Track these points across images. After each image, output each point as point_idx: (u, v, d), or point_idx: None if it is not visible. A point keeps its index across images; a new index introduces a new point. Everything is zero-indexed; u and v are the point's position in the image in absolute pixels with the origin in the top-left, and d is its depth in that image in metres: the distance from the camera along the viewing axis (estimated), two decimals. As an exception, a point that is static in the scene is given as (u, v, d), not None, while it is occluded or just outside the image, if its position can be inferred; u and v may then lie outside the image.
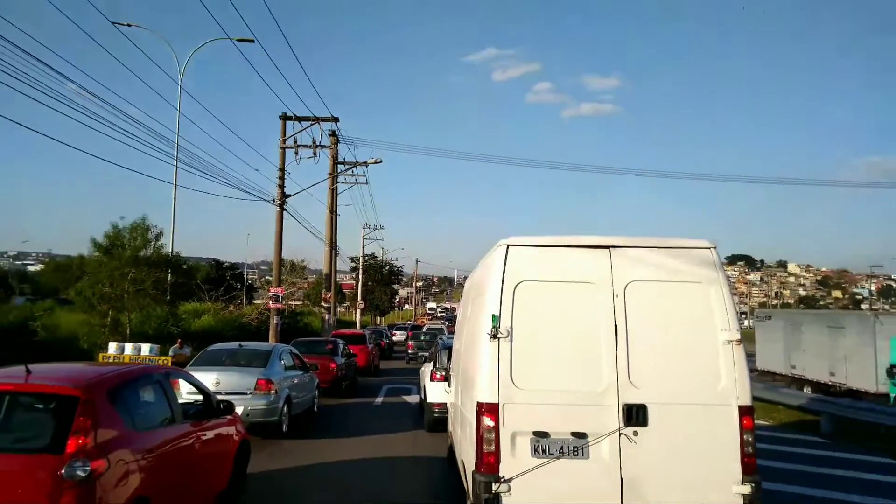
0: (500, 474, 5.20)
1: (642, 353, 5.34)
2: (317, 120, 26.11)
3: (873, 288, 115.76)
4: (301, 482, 8.89)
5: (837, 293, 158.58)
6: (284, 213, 24.08)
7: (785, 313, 30.40)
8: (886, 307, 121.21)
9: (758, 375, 25.41)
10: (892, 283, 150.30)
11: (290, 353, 13.86)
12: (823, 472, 10.07)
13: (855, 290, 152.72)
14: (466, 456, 5.93)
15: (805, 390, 20.85)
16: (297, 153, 25.39)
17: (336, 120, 28.09)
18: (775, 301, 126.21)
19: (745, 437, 5.15)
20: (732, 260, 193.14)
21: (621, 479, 5.14)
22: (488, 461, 5.23)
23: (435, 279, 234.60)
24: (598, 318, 5.47)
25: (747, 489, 5.05)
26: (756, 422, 5.45)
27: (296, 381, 13.00)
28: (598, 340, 5.43)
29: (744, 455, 5.13)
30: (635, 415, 5.19)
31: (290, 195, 24.35)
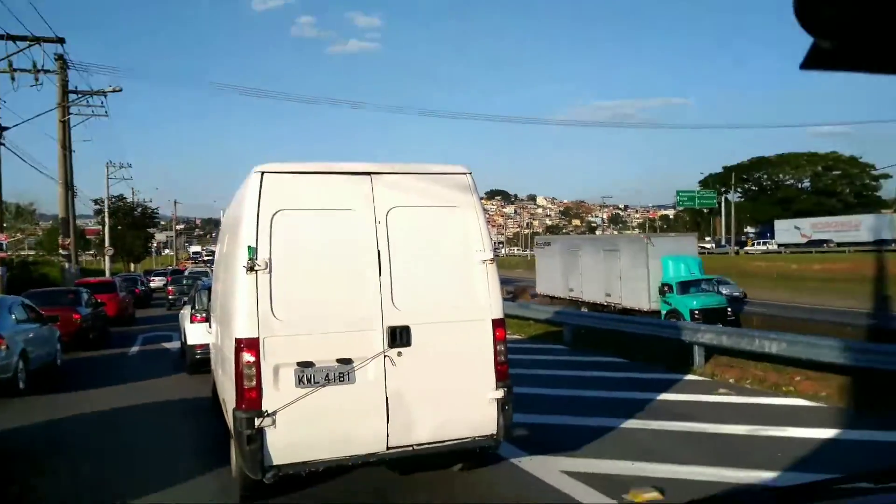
0: (263, 408, 5.05)
1: (405, 277, 5.46)
2: (37, 40, 22.35)
3: (605, 216, 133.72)
4: (39, 440, 7.91)
5: (577, 221, 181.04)
6: (2, 148, 20.45)
7: (564, 239, 32.74)
8: (615, 232, 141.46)
9: (539, 299, 27.87)
10: (619, 212, 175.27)
11: (21, 305, 12.64)
12: (565, 374, 11.56)
13: (590, 218, 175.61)
14: (228, 395, 5.67)
15: (582, 311, 21.96)
16: (13, 78, 21.62)
17: (62, 41, 24.46)
18: (527, 231, 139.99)
19: (497, 347, 5.58)
20: (491, 195, 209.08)
21: (386, 398, 5.30)
22: (250, 397, 5.06)
23: (198, 221, 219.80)
24: (361, 245, 5.46)
25: (500, 393, 5.52)
26: (510, 336, 5.94)
27: (31, 335, 12.14)
28: (362, 267, 5.44)
29: (497, 363, 5.57)
30: (399, 336, 5.33)
31: (6, 128, 20.69)
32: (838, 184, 76.72)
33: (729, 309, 20.23)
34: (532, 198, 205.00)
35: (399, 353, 5.35)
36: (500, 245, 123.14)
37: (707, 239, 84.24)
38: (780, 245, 68.43)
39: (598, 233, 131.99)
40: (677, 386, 10.41)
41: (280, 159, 5.73)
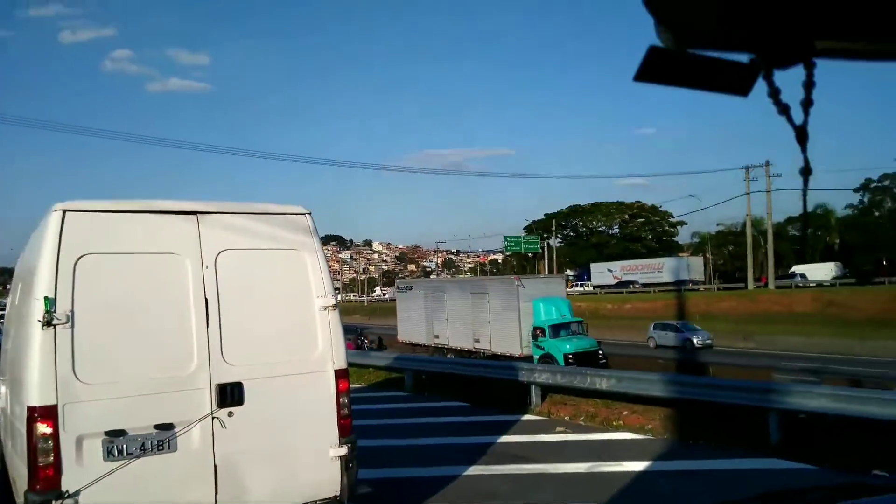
0: (63, 489, 4.26)
1: (237, 327, 4.92)
2: None
3: (439, 261, 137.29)
4: None
5: (412, 266, 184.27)
6: None
7: (427, 281, 31.57)
8: (448, 275, 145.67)
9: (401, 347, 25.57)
10: (452, 256, 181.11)
11: None
12: (406, 423, 11.27)
13: (425, 263, 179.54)
14: (19, 473, 4.70)
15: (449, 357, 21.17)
16: None
17: None
18: (363, 276, 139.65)
19: (341, 399, 5.20)
20: (326, 240, 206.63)
21: (215, 465, 4.71)
22: (46, 475, 4.25)
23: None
24: (185, 293, 4.87)
25: (344, 450, 5.12)
26: (351, 385, 5.57)
27: None
28: (186, 317, 4.84)
29: (340, 418, 5.18)
30: (230, 394, 4.78)
31: None
32: (643, 230, 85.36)
33: (600, 351, 20.07)
34: (368, 243, 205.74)
35: (230, 414, 4.78)
36: (337, 290, 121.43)
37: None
38: (595, 286, 74.15)
39: (432, 276, 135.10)
40: (517, 427, 10.56)
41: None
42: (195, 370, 4.76)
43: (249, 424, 4.85)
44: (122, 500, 4.38)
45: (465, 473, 7.76)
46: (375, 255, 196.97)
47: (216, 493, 4.68)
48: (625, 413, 10.61)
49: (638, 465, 7.93)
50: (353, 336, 29.56)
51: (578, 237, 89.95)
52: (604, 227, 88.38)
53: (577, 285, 77.59)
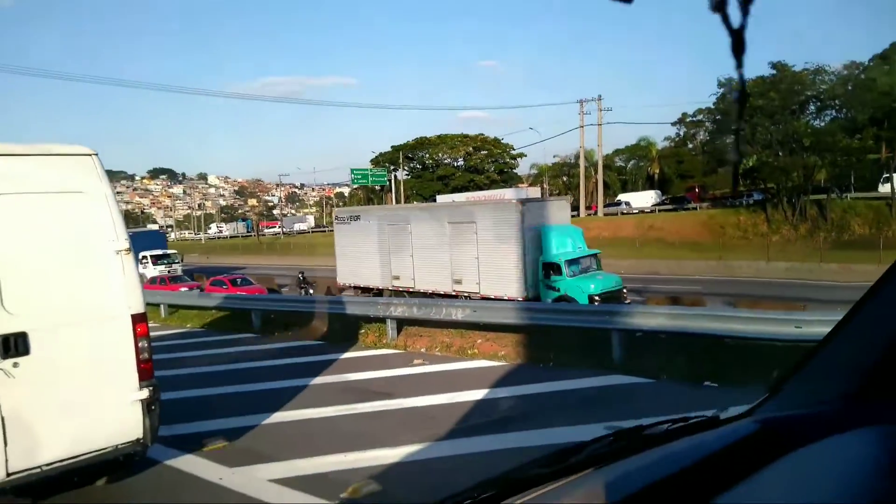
0: None
1: (19, 276, 4.67)
2: None
3: (282, 195, 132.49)
4: None
5: (253, 201, 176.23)
6: None
7: (383, 210, 24.23)
8: (293, 211, 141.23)
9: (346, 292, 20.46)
10: (296, 190, 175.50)
11: None
12: (257, 366, 10.74)
13: (267, 197, 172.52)
14: None
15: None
16: None
17: None
18: (199, 212, 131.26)
19: (139, 344, 5.15)
20: (155, 174, 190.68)
21: (2, 418, 4.46)
22: None
23: None
24: None
25: (145, 394, 5.12)
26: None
27: None
28: None
29: (140, 362, 5.15)
30: (14, 345, 4.57)
31: None
32: (486, 162, 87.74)
33: (624, 290, 16.20)
34: (203, 177, 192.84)
35: (15, 365, 4.56)
36: (170, 228, 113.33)
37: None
38: (442, 218, 75.87)
39: (275, 212, 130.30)
40: (376, 362, 10.50)
41: None
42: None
43: (38, 375, 4.65)
44: None
45: (328, 415, 7.56)
46: (212, 190, 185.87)
47: (5, 444, 4.42)
48: (479, 342, 10.90)
49: (498, 392, 8.17)
50: (295, 280, 26.35)
51: (425, 169, 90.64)
52: (449, 160, 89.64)
53: (423, 217, 78.68)
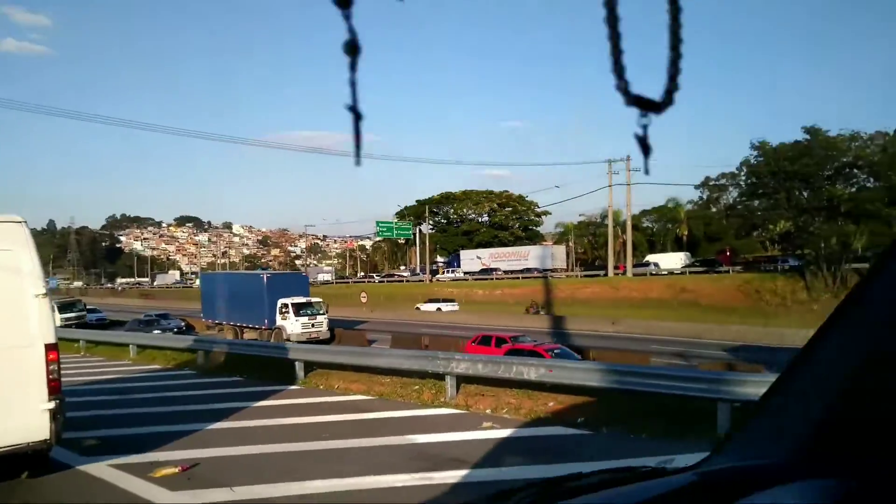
0: None
1: None
2: None
3: (304, 245, 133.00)
4: None
5: (276, 251, 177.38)
6: None
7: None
8: (315, 262, 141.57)
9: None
10: (318, 242, 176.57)
11: None
12: (300, 423, 10.05)
13: (291, 248, 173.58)
14: None
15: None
16: None
17: None
18: (223, 260, 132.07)
19: (50, 367, 6.79)
20: (181, 221, 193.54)
21: None
22: None
23: None
24: None
25: (52, 405, 6.74)
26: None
27: None
28: None
29: (49, 380, 6.76)
30: None
31: None
32: (510, 219, 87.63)
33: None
34: (228, 225, 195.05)
35: None
36: (195, 276, 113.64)
37: (402, 268, 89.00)
38: (465, 273, 75.17)
39: (298, 262, 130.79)
40: (440, 423, 9.68)
41: None
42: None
43: None
44: None
45: (405, 483, 6.75)
46: (236, 239, 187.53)
47: None
48: (550, 404, 10.05)
49: (588, 466, 7.31)
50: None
51: (449, 224, 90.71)
52: (474, 215, 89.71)
53: (447, 272, 78.27)
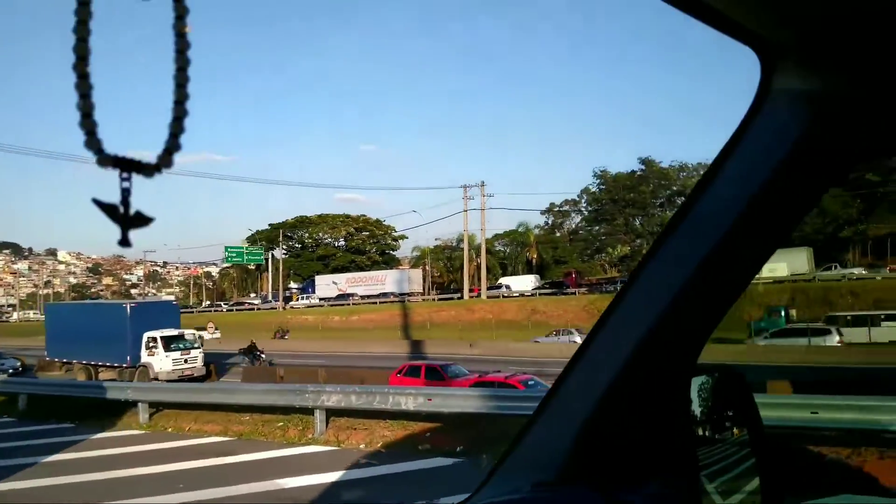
0: None
1: None
2: None
3: (142, 273, 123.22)
4: None
5: (109, 279, 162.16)
6: None
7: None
8: (153, 291, 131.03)
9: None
10: (157, 269, 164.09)
11: None
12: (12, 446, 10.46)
13: (126, 276, 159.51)
14: None
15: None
16: None
17: None
18: (46, 291, 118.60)
19: None
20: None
21: None
22: None
23: None
24: None
25: None
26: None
27: None
28: None
29: None
30: None
31: None
32: (367, 243, 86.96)
33: None
34: (52, 252, 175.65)
35: None
36: (12, 308, 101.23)
37: (252, 295, 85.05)
38: (321, 299, 73.23)
39: (133, 292, 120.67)
40: (307, 463, 8.92)
41: None
42: None
43: None
44: None
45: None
46: (62, 267, 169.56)
47: None
48: (427, 434, 9.64)
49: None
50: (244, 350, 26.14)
51: (304, 249, 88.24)
52: (330, 240, 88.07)
53: (302, 297, 75.97)
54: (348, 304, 64.22)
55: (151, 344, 22.23)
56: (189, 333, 23.96)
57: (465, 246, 58.76)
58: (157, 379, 20.32)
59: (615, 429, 1.11)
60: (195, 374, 22.12)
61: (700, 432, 1.19)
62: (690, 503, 1.07)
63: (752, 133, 0.99)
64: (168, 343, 22.40)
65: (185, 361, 22.40)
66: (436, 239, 77.61)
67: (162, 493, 7.52)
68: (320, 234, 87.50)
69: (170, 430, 11.68)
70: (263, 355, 26.39)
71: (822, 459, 6.64)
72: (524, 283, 60.89)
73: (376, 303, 62.73)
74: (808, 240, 41.77)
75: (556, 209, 74.48)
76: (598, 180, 51.22)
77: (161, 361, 21.84)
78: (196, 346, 23.47)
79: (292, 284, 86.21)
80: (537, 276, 63.36)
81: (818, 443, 7.18)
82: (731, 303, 1.12)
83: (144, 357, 22.38)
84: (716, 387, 1.21)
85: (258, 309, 71.58)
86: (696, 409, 1.17)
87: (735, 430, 1.26)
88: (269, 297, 78.38)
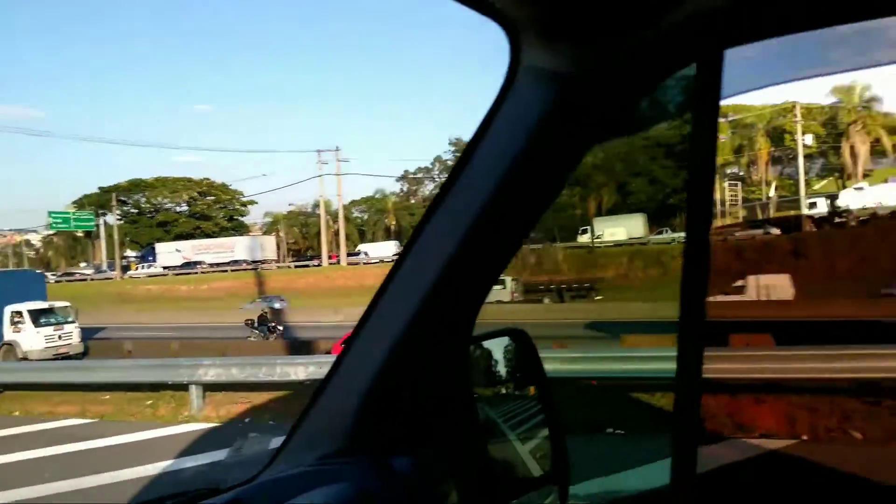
0: None
1: None
2: None
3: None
4: None
5: None
6: None
7: None
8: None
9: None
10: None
11: None
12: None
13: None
14: None
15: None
16: None
17: None
18: None
19: None
20: None
21: None
22: None
23: None
24: None
25: None
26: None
27: None
28: None
29: None
30: None
31: None
32: (213, 208, 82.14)
33: None
34: None
35: None
36: None
37: (83, 265, 77.81)
38: (164, 268, 68.48)
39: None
40: (184, 443, 8.27)
41: None
42: None
43: None
44: None
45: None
46: None
47: None
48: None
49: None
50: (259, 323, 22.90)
51: (141, 214, 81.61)
52: (171, 204, 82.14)
53: (141, 267, 70.67)
54: (196, 273, 60.68)
55: (17, 319, 19.39)
56: (61, 306, 21.16)
57: (322, 212, 57.53)
58: (26, 359, 17.67)
59: (394, 400, 1.13)
60: (71, 353, 19.47)
61: (488, 394, 1.23)
62: (465, 465, 1.11)
63: (503, 111, 1.01)
64: (37, 317, 19.64)
65: (59, 338, 19.71)
66: (290, 204, 75.23)
67: (27, 485, 6.63)
68: (159, 198, 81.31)
69: (16, 413, 10.30)
70: (280, 328, 23.03)
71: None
72: (384, 249, 60.99)
73: (227, 271, 59.87)
74: (642, 207, 45.50)
75: (411, 176, 74.99)
76: (453, 148, 52.09)
77: (31, 339, 19.15)
78: (70, 319, 20.73)
79: (129, 252, 79.73)
80: (397, 242, 63.68)
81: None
82: (500, 271, 1.15)
83: (9, 334, 19.38)
84: (501, 348, 1.24)
85: (91, 279, 65.62)
86: (480, 372, 1.21)
87: (529, 388, 1.29)
88: (105, 267, 72.06)
